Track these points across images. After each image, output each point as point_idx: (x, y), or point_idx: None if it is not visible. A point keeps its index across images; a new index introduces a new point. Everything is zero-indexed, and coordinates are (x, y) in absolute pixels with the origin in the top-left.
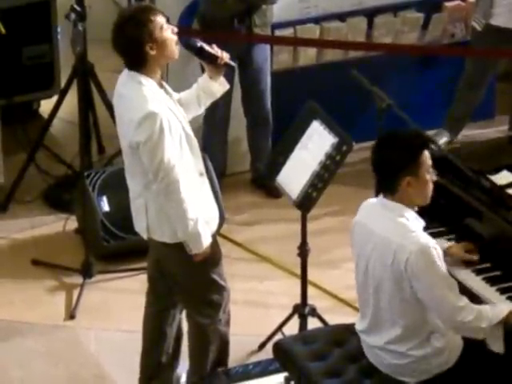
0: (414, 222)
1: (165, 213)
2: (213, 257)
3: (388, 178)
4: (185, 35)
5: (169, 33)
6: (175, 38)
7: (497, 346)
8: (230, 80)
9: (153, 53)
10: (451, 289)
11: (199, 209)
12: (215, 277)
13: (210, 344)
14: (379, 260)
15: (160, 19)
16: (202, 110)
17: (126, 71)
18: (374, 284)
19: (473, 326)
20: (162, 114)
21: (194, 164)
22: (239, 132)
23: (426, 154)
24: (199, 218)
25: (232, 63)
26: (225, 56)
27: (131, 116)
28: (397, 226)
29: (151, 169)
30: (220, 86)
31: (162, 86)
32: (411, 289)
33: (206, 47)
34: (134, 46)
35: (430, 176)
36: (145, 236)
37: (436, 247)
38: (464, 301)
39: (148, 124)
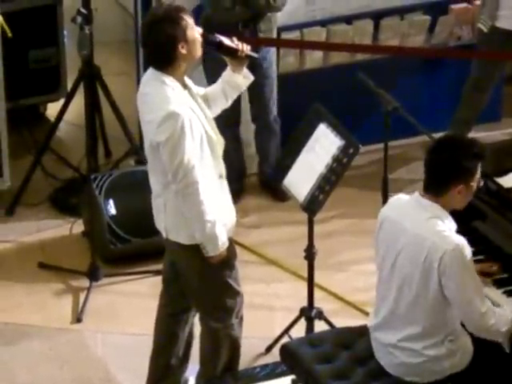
0: (448, 224)
1: (183, 213)
2: (228, 260)
3: (440, 181)
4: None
5: (196, 33)
6: (201, 39)
7: (506, 344)
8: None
9: (183, 51)
10: (479, 292)
11: (217, 211)
12: (230, 281)
13: (222, 348)
14: (410, 257)
15: (190, 19)
16: (229, 104)
17: (150, 70)
18: (399, 281)
19: (493, 330)
20: (184, 115)
21: (213, 166)
22: (247, 135)
23: (479, 164)
24: (217, 221)
25: (254, 54)
26: (245, 48)
27: (153, 116)
28: (431, 225)
29: (171, 169)
30: (244, 79)
31: (186, 87)
32: (439, 287)
33: (226, 41)
34: (168, 44)
35: (476, 184)
36: (164, 235)
37: (469, 248)
38: (487, 305)
39: (169, 124)
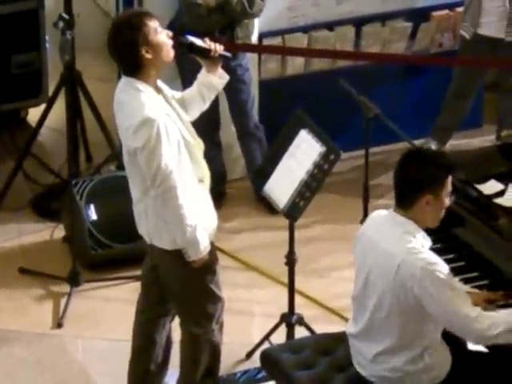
0: (420, 240)
1: (163, 218)
2: (210, 265)
3: (409, 192)
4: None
5: (163, 36)
6: (170, 42)
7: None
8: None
9: (148, 56)
10: (463, 300)
11: (198, 215)
12: (212, 286)
13: (202, 354)
14: (381, 274)
15: (154, 23)
16: (207, 105)
17: (123, 78)
18: (374, 298)
19: (491, 334)
20: (159, 120)
21: (193, 170)
22: (229, 140)
23: (450, 179)
24: (198, 224)
25: (227, 54)
26: (218, 48)
27: (129, 122)
28: (403, 242)
29: (149, 175)
30: (220, 79)
31: (159, 92)
32: (417, 305)
33: (197, 42)
34: (129, 50)
35: (447, 201)
36: (148, 241)
37: (441, 263)
38: (477, 310)
39: (145, 130)
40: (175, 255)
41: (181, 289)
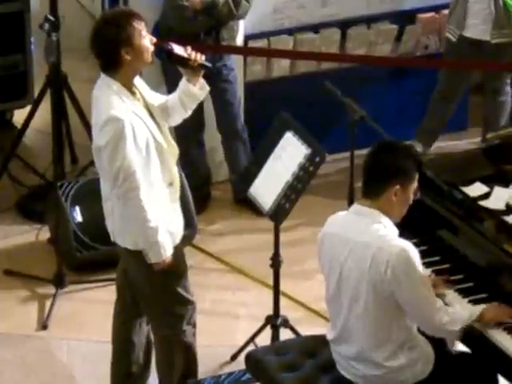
0: (390, 227)
1: (126, 219)
2: (176, 269)
3: (378, 180)
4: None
5: (147, 41)
6: (152, 47)
7: (451, 342)
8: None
9: (128, 57)
10: (430, 290)
11: (164, 219)
12: (179, 289)
13: (175, 355)
14: (355, 265)
15: (140, 26)
16: (188, 113)
17: (101, 75)
18: (349, 292)
19: (448, 329)
20: (125, 120)
21: (162, 173)
22: (213, 142)
23: (417, 175)
24: (160, 228)
25: (208, 64)
26: (198, 58)
27: (97, 119)
28: (374, 231)
29: (111, 173)
30: (200, 90)
31: (135, 92)
32: (390, 291)
33: (176, 50)
34: (110, 48)
35: (412, 197)
36: (112, 238)
37: (415, 250)
38: (439, 302)
39: (109, 128)
40: (139, 256)
41: (148, 290)
